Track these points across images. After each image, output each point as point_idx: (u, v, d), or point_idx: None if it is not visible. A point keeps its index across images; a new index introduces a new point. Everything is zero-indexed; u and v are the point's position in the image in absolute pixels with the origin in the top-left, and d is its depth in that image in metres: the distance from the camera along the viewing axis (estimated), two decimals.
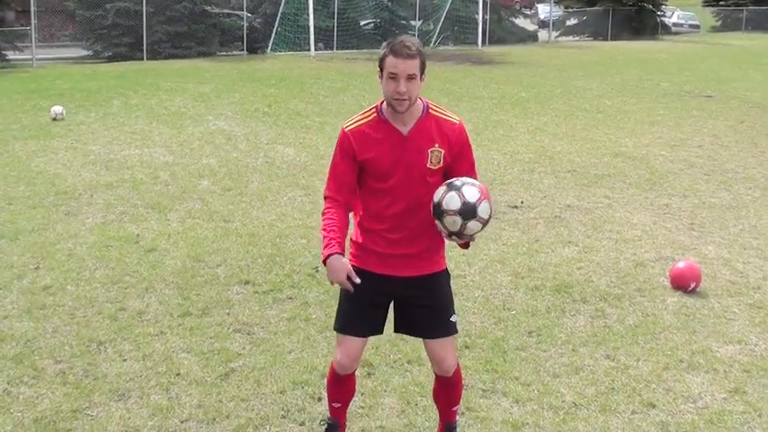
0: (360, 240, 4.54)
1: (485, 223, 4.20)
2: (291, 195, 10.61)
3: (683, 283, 7.52)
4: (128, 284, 7.48)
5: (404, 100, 4.26)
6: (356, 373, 4.77)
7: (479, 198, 4.16)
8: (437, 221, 4.23)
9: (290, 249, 8.47)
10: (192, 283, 7.51)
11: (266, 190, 10.87)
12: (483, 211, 4.16)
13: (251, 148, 13.46)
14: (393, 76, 4.23)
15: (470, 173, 4.45)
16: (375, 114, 4.43)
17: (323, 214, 4.43)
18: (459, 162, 4.44)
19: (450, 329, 4.57)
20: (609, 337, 6.49)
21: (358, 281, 4.24)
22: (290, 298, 7.20)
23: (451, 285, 4.66)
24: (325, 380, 4.89)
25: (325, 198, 4.50)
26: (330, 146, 12.81)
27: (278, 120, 16.19)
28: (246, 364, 5.93)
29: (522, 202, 10.44)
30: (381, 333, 4.65)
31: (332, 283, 4.35)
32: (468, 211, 4.13)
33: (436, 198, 4.20)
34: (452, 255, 7.19)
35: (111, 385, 5.58)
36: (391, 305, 4.60)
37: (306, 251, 8.41)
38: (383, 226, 4.44)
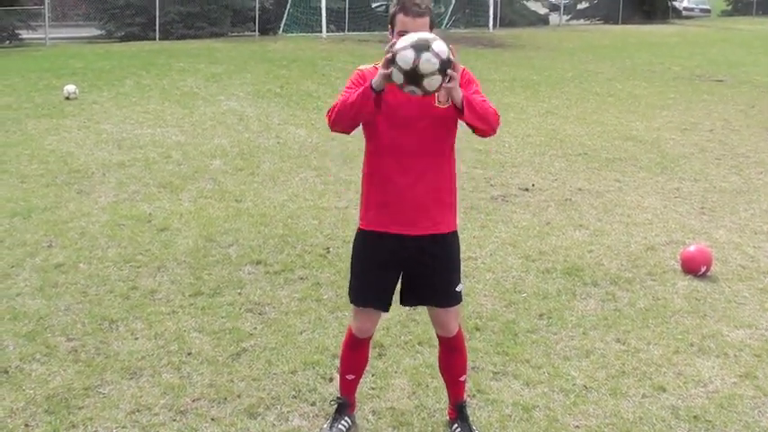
0: (369, 193, 4.58)
1: (441, 63, 3.97)
2: (303, 176, 10.63)
3: (694, 267, 7.52)
4: (140, 263, 7.51)
5: None
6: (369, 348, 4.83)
7: (433, 72, 3.97)
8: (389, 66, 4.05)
9: (302, 230, 8.49)
10: (203, 263, 7.53)
11: (278, 170, 10.88)
12: (430, 83, 3.99)
13: (263, 128, 13.47)
14: (403, 34, 4.24)
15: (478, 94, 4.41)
16: None
17: (332, 108, 4.35)
18: (466, 90, 4.36)
19: (456, 299, 4.66)
20: (619, 321, 6.50)
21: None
22: (302, 278, 7.22)
23: (460, 254, 4.69)
24: (340, 350, 4.90)
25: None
26: None
27: (289, 101, 16.20)
28: (258, 343, 5.95)
29: (533, 185, 10.44)
30: (387, 311, 4.70)
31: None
32: (420, 46, 3.98)
33: (397, 45, 4.05)
34: (463, 237, 7.22)
35: (123, 363, 5.61)
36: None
37: (317, 232, 8.43)
38: (393, 168, 4.44)
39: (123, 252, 7.79)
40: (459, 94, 4.16)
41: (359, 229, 4.64)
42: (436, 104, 4.36)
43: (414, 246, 4.49)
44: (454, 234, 4.63)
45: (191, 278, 7.18)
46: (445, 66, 4.01)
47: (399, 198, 4.45)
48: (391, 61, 4.04)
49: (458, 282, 4.64)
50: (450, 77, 4.03)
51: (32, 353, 5.75)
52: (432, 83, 4.02)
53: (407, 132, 4.39)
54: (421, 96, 4.13)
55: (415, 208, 4.45)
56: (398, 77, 4.04)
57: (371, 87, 4.14)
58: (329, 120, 4.39)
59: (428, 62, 3.98)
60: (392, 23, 4.37)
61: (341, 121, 4.34)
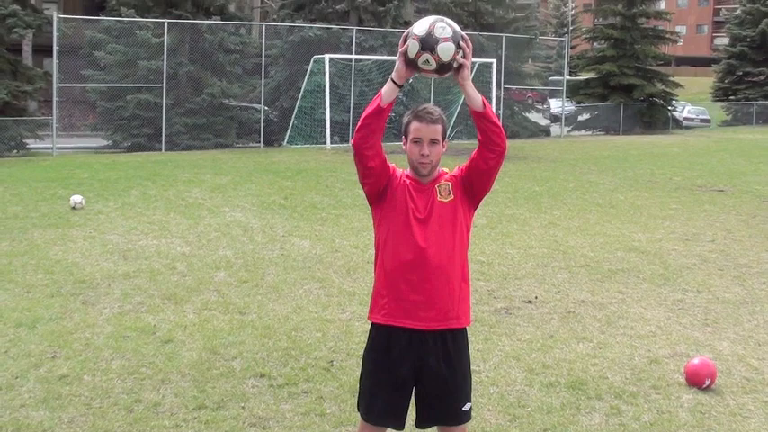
0: (382, 288, 4.69)
1: (440, 66, 4.42)
2: (307, 288, 10.67)
3: (698, 380, 7.51)
4: (144, 375, 7.52)
5: (427, 163, 4.61)
6: None
7: (445, 37, 4.36)
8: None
9: (306, 342, 8.51)
10: (207, 376, 7.54)
11: (282, 282, 10.93)
12: (443, 50, 4.38)
13: (267, 240, 13.56)
14: (417, 141, 4.56)
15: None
16: (404, 172, 4.78)
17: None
18: (467, 171, 4.72)
19: (464, 418, 4.71)
20: None
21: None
22: (305, 392, 7.21)
23: (470, 359, 4.78)
24: None
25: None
26: (345, 238, 12.87)
27: (294, 212, 16.33)
28: None
29: (536, 297, 10.47)
30: (403, 428, 4.72)
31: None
32: (428, 42, 4.37)
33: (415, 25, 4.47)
34: None
35: None
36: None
37: (321, 344, 8.44)
38: (405, 266, 4.59)
39: (127, 364, 7.80)
40: (471, 85, 4.54)
41: (371, 324, 4.77)
42: (438, 199, 4.61)
43: (426, 344, 4.59)
44: (465, 332, 4.75)
45: (194, 391, 7.18)
46: (458, 37, 4.37)
47: (412, 295, 4.58)
48: (407, 37, 4.41)
49: (467, 400, 4.70)
50: (464, 52, 4.42)
51: None
52: (445, 50, 4.33)
53: (416, 229, 4.57)
54: (434, 72, 4.47)
55: (427, 303, 4.58)
56: (414, 47, 4.36)
57: (393, 81, 4.50)
58: (356, 131, 4.65)
59: (443, 29, 4.34)
60: (406, 132, 4.62)
61: (369, 123, 4.60)
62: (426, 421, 4.77)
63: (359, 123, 4.61)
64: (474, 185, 4.71)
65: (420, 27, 4.37)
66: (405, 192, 4.64)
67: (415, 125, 4.58)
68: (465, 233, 4.73)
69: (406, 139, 4.65)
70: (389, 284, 4.65)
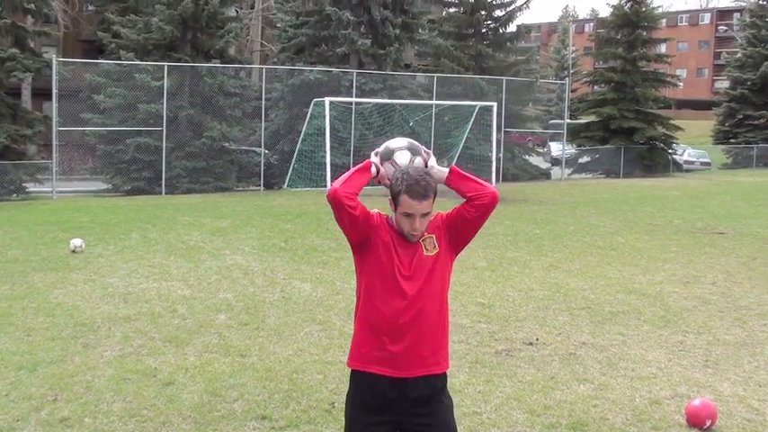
0: (363, 338, 4.63)
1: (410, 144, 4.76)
2: (308, 330, 10.67)
3: (699, 422, 7.50)
4: (145, 418, 7.51)
5: (418, 234, 4.58)
6: None
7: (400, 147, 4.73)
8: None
9: (307, 384, 8.50)
10: (208, 418, 7.53)
11: (283, 325, 10.94)
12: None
13: (268, 282, 13.58)
14: (409, 215, 4.49)
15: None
16: (387, 219, 4.76)
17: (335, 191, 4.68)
18: (454, 216, 4.74)
19: None
20: None
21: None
22: None
23: (457, 418, 4.72)
24: None
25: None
26: (346, 281, 12.85)
27: (295, 255, 16.35)
28: None
29: (537, 339, 10.47)
30: None
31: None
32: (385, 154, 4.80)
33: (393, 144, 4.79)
34: (468, 392, 7.26)
35: None
36: None
37: (322, 386, 8.44)
38: (389, 320, 4.52)
39: (128, 407, 7.79)
40: (441, 171, 4.69)
41: (351, 370, 4.73)
42: (425, 254, 4.57)
43: (406, 393, 4.52)
44: (444, 378, 4.68)
45: None
46: (414, 147, 4.69)
47: (392, 346, 4.51)
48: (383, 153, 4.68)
49: None
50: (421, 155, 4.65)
51: None
52: (402, 157, 4.63)
53: (401, 284, 4.53)
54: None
55: (407, 353, 4.51)
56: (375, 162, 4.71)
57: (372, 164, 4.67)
58: (342, 184, 4.70)
59: (400, 151, 4.69)
60: (396, 201, 4.55)
61: (356, 181, 4.72)
62: None
63: (346, 177, 4.65)
64: (460, 234, 4.71)
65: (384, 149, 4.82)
66: (389, 247, 4.60)
67: (407, 201, 4.49)
68: (447, 280, 4.72)
69: (395, 205, 4.59)
70: (371, 336, 4.59)
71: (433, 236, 4.64)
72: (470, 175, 4.68)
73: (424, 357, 4.55)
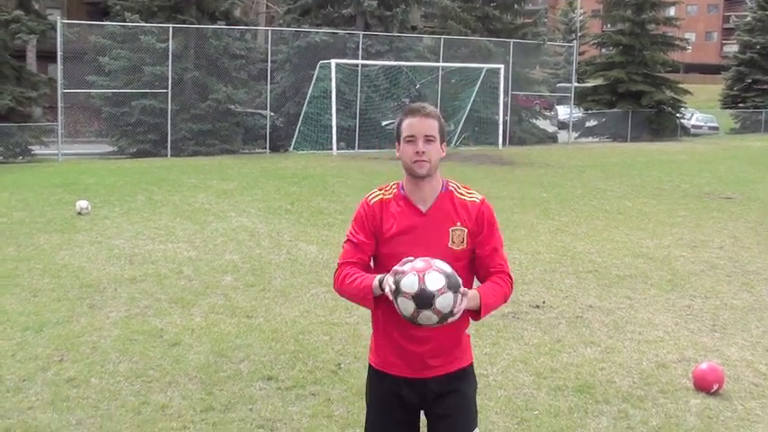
0: (379, 337, 4.35)
1: (442, 317, 3.83)
2: (314, 292, 10.66)
3: (706, 385, 7.49)
4: (151, 378, 7.51)
5: (423, 161, 4.11)
6: None
7: (441, 289, 3.78)
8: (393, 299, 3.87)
9: (313, 346, 8.50)
10: (215, 379, 7.53)
11: (289, 286, 10.93)
12: (442, 304, 3.78)
13: (274, 244, 13.56)
14: (411, 139, 4.11)
15: (492, 258, 4.26)
16: (396, 190, 4.28)
17: (338, 277, 4.24)
18: (480, 245, 4.23)
19: None
20: None
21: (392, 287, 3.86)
22: (313, 394, 7.21)
23: (476, 390, 4.51)
24: None
25: (339, 265, 4.29)
26: None
27: (301, 217, 16.33)
28: None
29: (543, 302, 10.45)
30: None
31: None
32: (423, 299, 3.76)
33: (398, 273, 3.88)
34: (474, 354, 7.20)
35: None
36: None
37: (329, 347, 8.43)
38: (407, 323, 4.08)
39: (134, 367, 7.79)
40: (476, 302, 4.03)
41: (369, 365, 4.46)
42: (450, 246, 4.16)
43: (428, 389, 4.28)
44: (470, 369, 4.41)
45: (202, 393, 7.18)
46: (453, 281, 3.84)
47: (411, 345, 4.22)
48: (395, 292, 3.84)
49: (473, 426, 4.36)
50: (463, 295, 3.88)
51: None
52: (445, 303, 3.79)
53: None
54: (438, 323, 3.88)
55: (427, 352, 4.23)
56: (407, 306, 3.81)
57: (372, 291, 4.03)
58: (336, 288, 4.28)
59: (434, 281, 3.78)
60: (398, 133, 4.19)
61: (346, 298, 4.26)
62: None
63: (337, 285, 4.26)
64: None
65: (409, 282, 3.80)
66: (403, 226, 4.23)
67: (407, 121, 4.12)
68: (472, 276, 4.34)
69: (399, 141, 4.19)
70: (389, 338, 4.28)
71: (465, 229, 4.20)
72: (496, 302, 4.24)
73: (448, 357, 4.27)
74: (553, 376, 7.83)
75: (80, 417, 6.62)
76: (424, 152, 4.09)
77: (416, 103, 4.31)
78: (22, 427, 6.40)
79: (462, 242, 4.17)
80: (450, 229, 4.18)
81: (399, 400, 4.30)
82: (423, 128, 4.11)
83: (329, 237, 14.18)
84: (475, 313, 4.12)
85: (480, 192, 4.33)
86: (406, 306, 3.80)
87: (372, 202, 4.28)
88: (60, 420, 6.53)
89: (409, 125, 4.13)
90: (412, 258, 3.92)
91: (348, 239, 4.29)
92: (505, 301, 4.31)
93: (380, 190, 4.33)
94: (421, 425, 4.40)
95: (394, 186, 4.31)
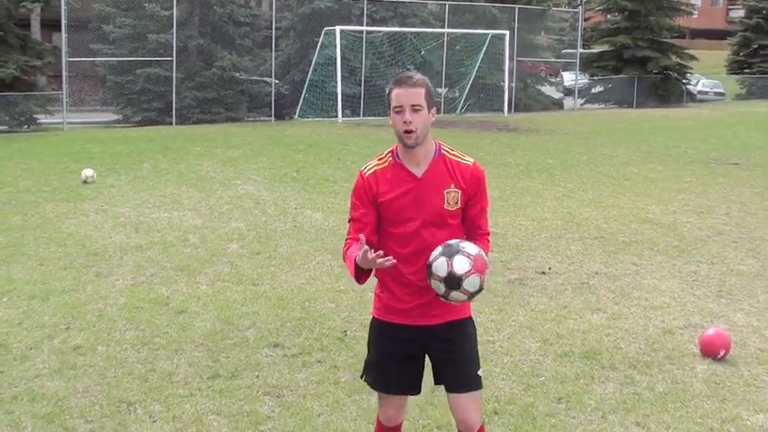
0: (381, 293, 4.56)
1: (470, 295, 4.20)
2: (320, 259, 10.66)
3: (713, 351, 7.48)
4: (158, 346, 7.52)
5: (411, 131, 4.27)
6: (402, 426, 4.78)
7: (468, 272, 4.13)
8: (428, 279, 4.24)
9: (319, 313, 8.50)
10: (221, 346, 7.54)
11: (295, 254, 10.92)
12: (469, 284, 4.15)
13: (279, 212, 13.55)
14: (399, 110, 4.28)
15: (479, 218, 4.54)
16: (391, 158, 4.46)
17: (343, 253, 4.51)
18: (471, 206, 4.47)
19: (474, 384, 4.50)
20: (638, 405, 6.46)
21: (393, 261, 4.20)
22: (319, 361, 7.22)
23: (477, 338, 4.65)
24: None
25: (346, 240, 4.55)
26: None
27: (306, 185, 16.31)
28: (276, 426, 5.94)
29: (549, 269, 10.44)
30: (419, 393, 4.65)
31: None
32: (452, 281, 4.14)
33: (430, 258, 4.21)
34: (480, 320, 7.23)
35: None
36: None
37: (335, 315, 8.44)
38: (404, 272, 4.39)
39: (141, 335, 7.80)
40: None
41: (373, 317, 4.65)
42: (445, 207, 4.38)
43: (428, 333, 4.46)
44: (469, 319, 4.58)
45: (208, 361, 7.19)
46: (478, 263, 4.20)
47: (413, 300, 4.43)
48: (429, 275, 4.19)
49: (477, 366, 4.53)
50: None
51: None
52: (472, 284, 4.16)
53: (418, 231, 4.37)
54: (468, 300, 4.29)
55: (427, 305, 4.42)
56: (439, 287, 4.19)
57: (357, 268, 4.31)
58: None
59: (461, 263, 4.14)
60: (389, 102, 4.34)
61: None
62: (438, 382, 4.60)
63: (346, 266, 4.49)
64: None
65: (439, 265, 4.16)
66: (402, 195, 4.40)
67: (395, 92, 4.28)
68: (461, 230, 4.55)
69: (390, 109, 4.36)
70: (390, 293, 4.51)
71: (459, 191, 4.40)
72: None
73: (446, 307, 4.42)
74: (559, 342, 7.83)
75: (87, 384, 6.64)
76: (411, 121, 4.27)
77: (404, 72, 4.45)
78: (29, 394, 6.42)
79: (456, 203, 4.39)
80: (444, 191, 4.39)
81: (400, 342, 4.51)
82: (409, 98, 4.27)
83: (335, 204, 14.16)
84: None
85: (486, 158, 4.42)
86: (438, 287, 4.18)
87: (367, 174, 4.47)
88: (67, 388, 6.54)
89: (396, 96, 4.29)
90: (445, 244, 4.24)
91: (350, 218, 4.55)
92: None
93: (376, 160, 4.52)
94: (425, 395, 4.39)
95: (389, 154, 4.48)
